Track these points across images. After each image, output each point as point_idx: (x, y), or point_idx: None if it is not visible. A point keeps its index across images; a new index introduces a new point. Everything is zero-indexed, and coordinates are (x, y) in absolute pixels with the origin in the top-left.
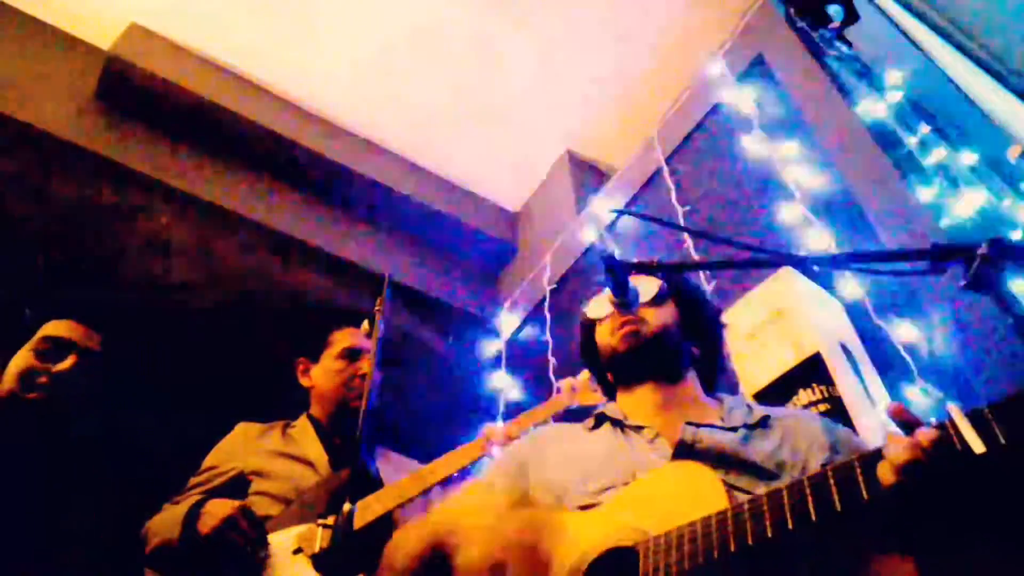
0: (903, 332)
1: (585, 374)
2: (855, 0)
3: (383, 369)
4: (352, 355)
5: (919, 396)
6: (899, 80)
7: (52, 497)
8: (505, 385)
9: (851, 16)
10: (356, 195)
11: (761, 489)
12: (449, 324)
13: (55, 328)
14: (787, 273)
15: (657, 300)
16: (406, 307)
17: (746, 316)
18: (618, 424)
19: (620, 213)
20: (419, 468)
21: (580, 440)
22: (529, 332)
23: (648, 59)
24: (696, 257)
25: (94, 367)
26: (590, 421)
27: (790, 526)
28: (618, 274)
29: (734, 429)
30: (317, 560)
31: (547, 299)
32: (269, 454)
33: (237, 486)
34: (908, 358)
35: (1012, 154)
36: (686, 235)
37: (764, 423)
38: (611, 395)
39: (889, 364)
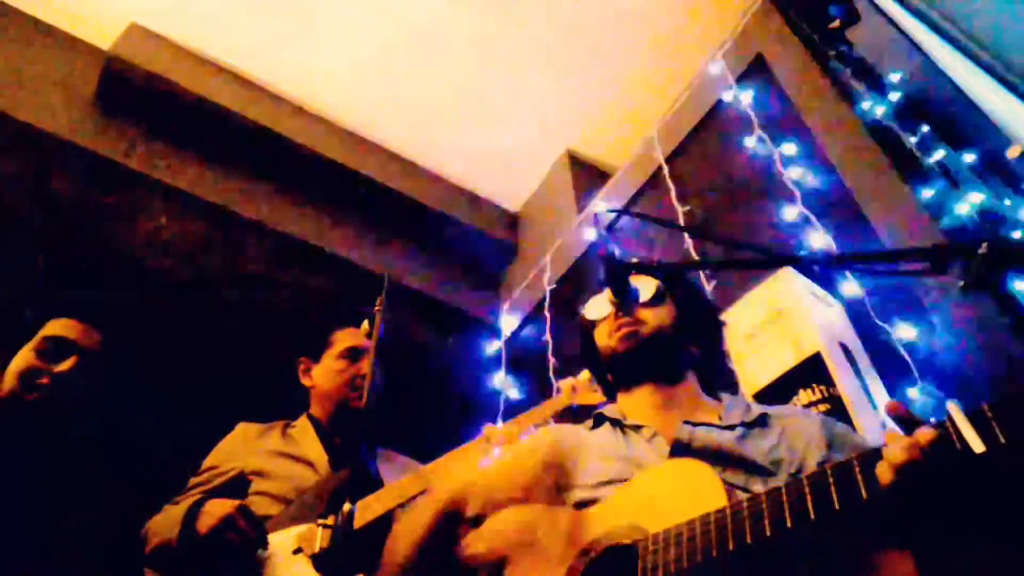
0: (903, 332)
1: (585, 374)
2: (855, 0)
3: (383, 369)
4: (354, 355)
5: (919, 396)
6: (899, 80)
7: (52, 497)
8: (505, 385)
9: (851, 16)
10: (356, 195)
11: (758, 487)
12: (449, 324)
13: (56, 328)
14: (787, 273)
15: (655, 300)
16: (406, 307)
17: (746, 316)
18: (617, 424)
19: (620, 213)
20: (419, 468)
21: (580, 438)
22: (529, 332)
23: (648, 59)
24: (696, 257)
25: (95, 368)
26: (590, 422)
27: (789, 525)
28: (618, 274)
29: (731, 427)
30: (317, 560)
31: (547, 299)
32: (269, 454)
33: (237, 486)
34: (908, 358)
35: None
36: (686, 235)
37: (762, 421)
38: (611, 395)
39: (889, 364)
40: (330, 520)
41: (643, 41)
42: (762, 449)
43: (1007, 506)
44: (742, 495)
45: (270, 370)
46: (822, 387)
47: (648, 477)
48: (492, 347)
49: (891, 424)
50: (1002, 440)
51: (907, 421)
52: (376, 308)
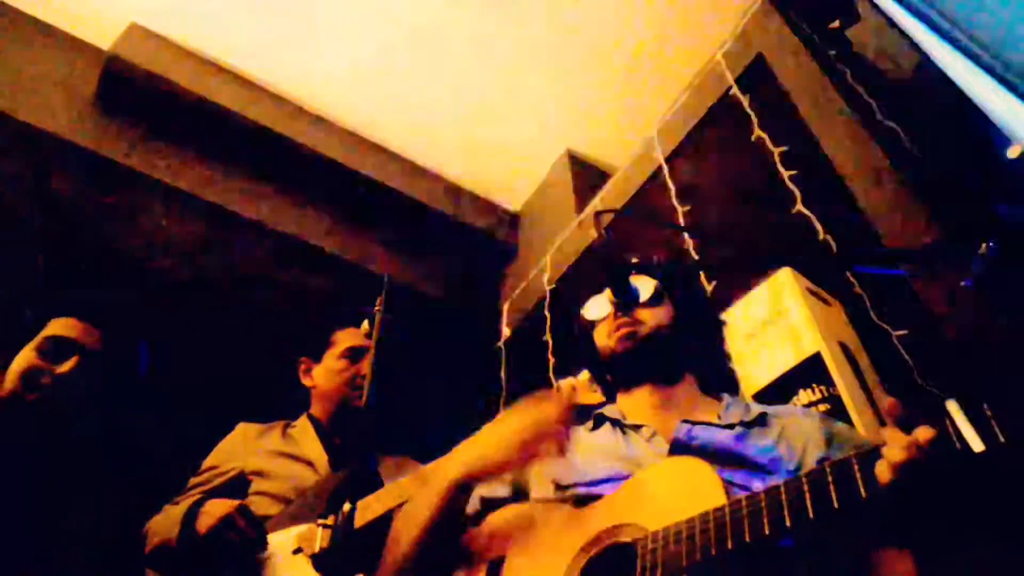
0: (904, 331)
1: (585, 374)
2: (855, 0)
3: (383, 369)
4: (355, 355)
5: (919, 396)
6: (899, 80)
7: (52, 497)
8: (505, 386)
9: (851, 16)
10: (356, 195)
11: (757, 485)
12: (449, 324)
13: (58, 327)
14: (787, 273)
15: (654, 300)
16: (406, 307)
17: (746, 316)
18: (617, 424)
19: (620, 213)
20: (419, 468)
21: (580, 438)
22: (529, 332)
23: (648, 59)
24: (696, 257)
25: (96, 368)
26: (590, 423)
27: (788, 523)
28: (618, 274)
29: (731, 427)
30: (317, 560)
31: (547, 299)
32: (269, 454)
33: (237, 486)
34: (908, 358)
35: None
36: (686, 235)
37: (762, 421)
38: (611, 396)
39: (889, 364)
40: (330, 520)
41: (643, 41)
42: (761, 448)
43: (1006, 506)
44: (741, 494)
45: (270, 370)
46: (822, 387)
47: (647, 475)
48: (492, 347)
49: (891, 423)
50: (1002, 439)
51: (906, 419)
52: (376, 308)
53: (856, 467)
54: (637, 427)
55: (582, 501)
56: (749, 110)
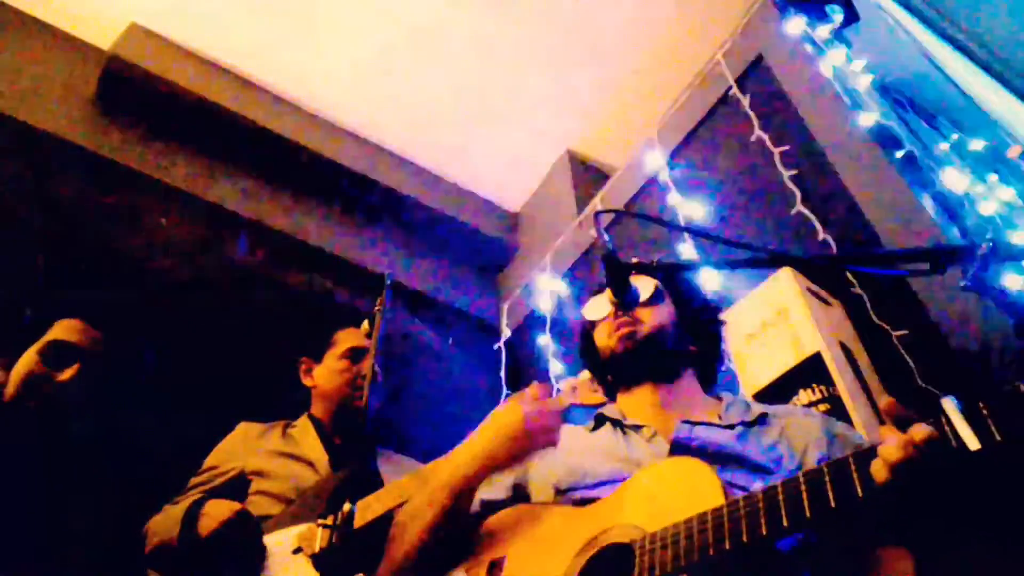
0: (904, 331)
1: (585, 374)
2: (855, 0)
3: (383, 369)
4: (356, 355)
5: (919, 396)
6: (899, 79)
7: (53, 497)
8: (505, 386)
9: (851, 16)
10: (356, 195)
11: (758, 485)
12: (449, 324)
13: (61, 331)
14: (787, 273)
15: (654, 300)
16: (406, 307)
17: (746, 316)
18: (617, 424)
19: (620, 213)
20: (419, 468)
21: (580, 439)
22: (529, 332)
23: (648, 59)
24: (696, 257)
25: (97, 372)
26: (591, 423)
27: (785, 524)
28: (618, 274)
29: (731, 426)
30: (317, 560)
31: (547, 299)
32: (269, 454)
33: (237, 486)
34: (908, 358)
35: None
36: (686, 235)
37: (762, 420)
38: (612, 395)
39: (889, 364)
40: (330, 520)
41: (643, 41)
42: (762, 448)
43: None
44: (740, 494)
45: (270, 370)
46: (822, 387)
47: (647, 476)
48: (492, 347)
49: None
50: (998, 437)
51: (903, 418)
52: (376, 308)
53: (853, 467)
54: (637, 427)
55: (583, 502)
56: (749, 110)
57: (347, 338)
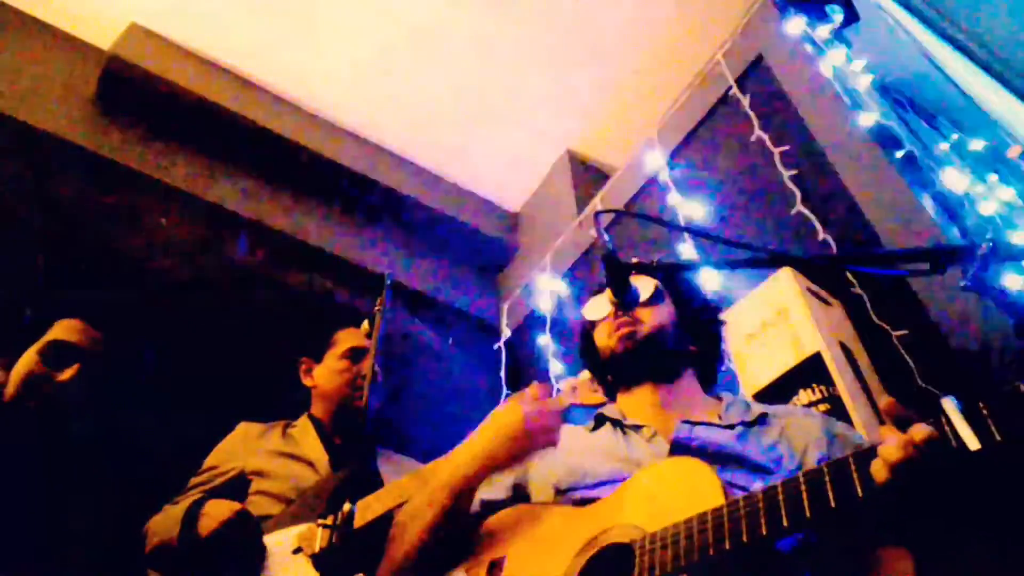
0: (904, 331)
1: (585, 374)
2: (855, 0)
3: (383, 369)
4: (356, 355)
5: (919, 396)
6: (899, 79)
7: (53, 497)
8: (505, 386)
9: (851, 16)
10: (356, 195)
11: (758, 486)
12: (449, 324)
13: (61, 331)
14: (787, 273)
15: (654, 300)
16: (406, 307)
17: (746, 316)
18: (617, 424)
19: (620, 213)
20: (419, 468)
21: (580, 439)
22: (529, 332)
23: (648, 59)
24: (696, 257)
25: (97, 373)
26: (591, 423)
27: (785, 524)
28: (618, 274)
29: (731, 426)
30: (317, 560)
31: (547, 299)
32: (269, 454)
33: (237, 486)
34: (908, 358)
35: (1012, 154)
36: (686, 235)
37: (762, 420)
38: (612, 395)
39: (889, 364)
40: (330, 520)
41: (643, 41)
42: (762, 448)
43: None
44: (740, 494)
45: (270, 370)
46: (822, 387)
47: (647, 476)
48: (492, 347)
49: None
50: (998, 437)
51: (903, 418)
52: (376, 308)
53: (853, 467)
54: (637, 427)
55: (583, 502)
56: (749, 110)
57: (347, 338)
